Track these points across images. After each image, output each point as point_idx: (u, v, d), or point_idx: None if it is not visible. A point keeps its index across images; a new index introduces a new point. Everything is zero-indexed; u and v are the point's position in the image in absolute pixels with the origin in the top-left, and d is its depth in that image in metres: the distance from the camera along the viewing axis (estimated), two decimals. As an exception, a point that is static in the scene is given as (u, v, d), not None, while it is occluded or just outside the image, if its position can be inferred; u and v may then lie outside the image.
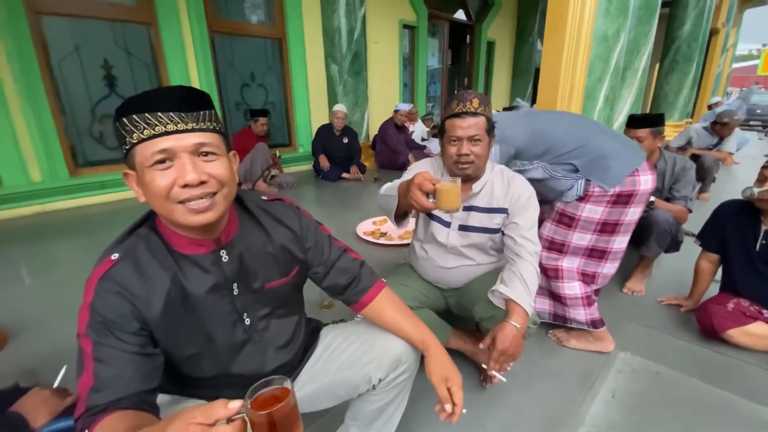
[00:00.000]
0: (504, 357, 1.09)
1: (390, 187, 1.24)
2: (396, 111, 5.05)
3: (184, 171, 0.63)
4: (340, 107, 4.48)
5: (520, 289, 1.15)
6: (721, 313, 1.59)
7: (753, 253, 1.60)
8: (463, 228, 1.34)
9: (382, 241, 2.58)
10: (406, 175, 1.37)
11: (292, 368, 0.92)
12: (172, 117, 0.63)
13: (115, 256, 0.68)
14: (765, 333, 1.54)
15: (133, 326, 0.66)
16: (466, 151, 1.21)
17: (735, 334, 1.55)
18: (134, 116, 0.61)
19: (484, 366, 1.17)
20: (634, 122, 2.10)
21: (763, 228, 1.55)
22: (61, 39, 3.38)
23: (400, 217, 1.25)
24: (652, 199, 1.97)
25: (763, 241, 1.55)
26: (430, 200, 1.00)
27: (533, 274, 1.20)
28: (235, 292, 0.77)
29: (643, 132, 2.05)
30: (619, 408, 1.48)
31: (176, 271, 0.70)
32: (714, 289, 1.81)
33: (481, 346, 1.13)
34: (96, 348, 0.63)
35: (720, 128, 4.09)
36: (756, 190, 1.51)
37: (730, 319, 1.57)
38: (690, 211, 2.02)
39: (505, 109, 2.57)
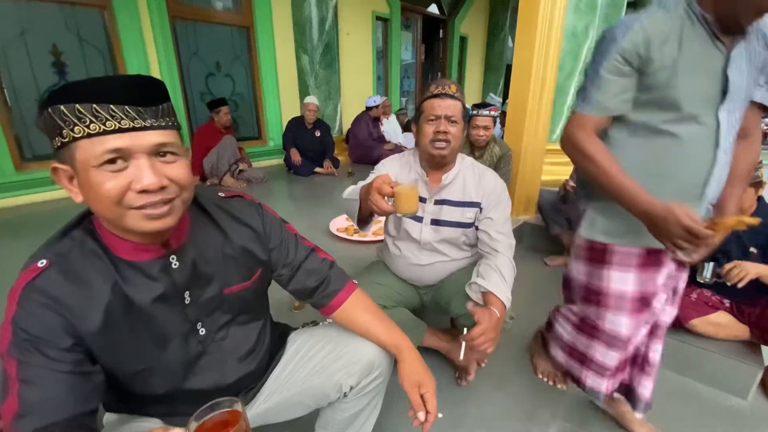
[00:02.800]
0: (484, 338, 1.02)
1: (353, 191, 1.21)
2: (368, 108, 4.98)
3: (141, 174, 0.55)
4: (311, 99, 4.36)
5: (498, 281, 1.14)
6: (684, 304, 1.64)
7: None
8: (435, 222, 1.31)
9: (355, 237, 2.52)
10: (372, 176, 1.34)
11: (257, 378, 0.85)
12: (127, 111, 0.54)
13: (42, 263, 0.59)
14: (726, 322, 1.59)
15: (65, 342, 0.58)
16: (444, 129, 1.20)
17: (698, 323, 1.60)
18: (77, 106, 0.52)
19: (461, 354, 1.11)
20: None
21: None
22: (5, 23, 3.09)
23: (364, 220, 1.21)
24: None
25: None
26: (389, 203, 0.97)
27: (509, 266, 1.20)
28: (187, 300, 0.69)
29: None
30: (591, 399, 1.50)
31: (117, 279, 0.62)
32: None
33: (469, 306, 1.06)
34: (21, 369, 0.55)
35: None
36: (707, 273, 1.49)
37: (694, 309, 1.62)
38: None
39: (475, 105, 2.52)
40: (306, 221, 2.86)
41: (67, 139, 0.54)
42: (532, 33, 2.42)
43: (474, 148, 2.51)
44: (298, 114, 4.50)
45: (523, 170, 2.71)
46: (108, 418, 0.77)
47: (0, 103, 3.12)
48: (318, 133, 4.48)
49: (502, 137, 2.76)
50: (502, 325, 1.11)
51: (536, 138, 2.65)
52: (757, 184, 1.48)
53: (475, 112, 2.43)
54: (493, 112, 2.45)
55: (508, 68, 3.68)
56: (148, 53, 3.76)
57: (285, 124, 4.57)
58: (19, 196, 3.25)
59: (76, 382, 0.58)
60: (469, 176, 1.32)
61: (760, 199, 1.54)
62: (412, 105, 7.79)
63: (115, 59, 3.64)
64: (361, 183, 1.25)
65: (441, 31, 8.01)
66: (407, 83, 7.74)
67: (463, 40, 8.40)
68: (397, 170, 1.37)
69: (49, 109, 0.53)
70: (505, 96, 3.03)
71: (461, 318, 1.25)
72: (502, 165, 2.46)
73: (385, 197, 0.96)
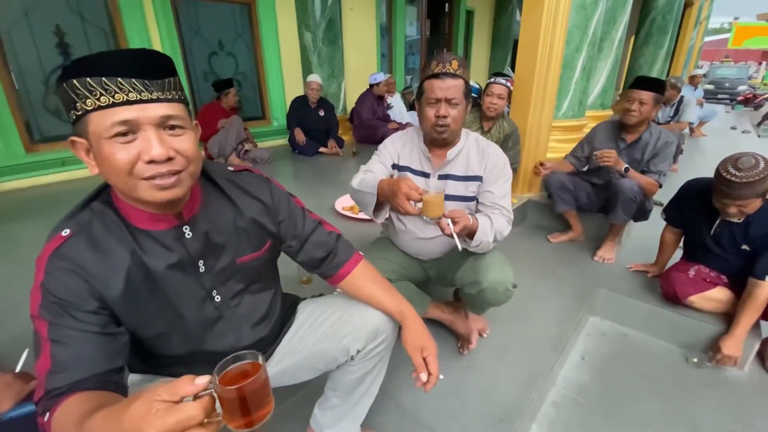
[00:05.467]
0: (457, 212, 1.09)
1: (364, 182, 1.24)
2: (372, 85, 4.91)
3: (149, 146, 0.58)
4: (314, 78, 4.31)
5: (484, 219, 1.18)
6: (683, 280, 1.66)
7: (707, 238, 1.63)
8: (440, 198, 1.33)
9: (361, 215, 2.56)
10: (375, 158, 1.37)
11: (269, 343, 0.90)
12: (134, 84, 0.56)
13: (66, 232, 0.63)
14: (724, 298, 1.62)
15: (91, 305, 0.62)
16: (444, 113, 1.20)
17: (696, 300, 1.63)
18: (88, 79, 0.54)
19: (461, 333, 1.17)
20: (641, 83, 1.98)
21: (720, 217, 1.58)
22: (8, 4, 3.07)
23: (377, 210, 1.25)
24: (625, 166, 1.98)
25: (717, 229, 1.60)
26: (416, 207, 1.05)
27: (502, 221, 1.23)
28: (201, 269, 0.73)
29: (647, 95, 1.94)
30: (589, 369, 1.56)
31: (135, 248, 0.66)
32: (679, 254, 1.89)
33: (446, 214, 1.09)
34: (51, 329, 0.60)
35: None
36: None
37: (691, 285, 1.64)
38: (660, 186, 2.03)
39: (495, 74, 2.46)
40: (312, 200, 2.89)
41: (80, 112, 0.57)
42: (540, 5, 2.36)
43: (484, 119, 2.48)
44: (302, 93, 4.47)
45: (528, 147, 2.69)
46: (132, 378, 0.82)
47: (7, 85, 3.13)
48: (322, 113, 4.45)
49: (508, 114, 2.73)
50: (468, 229, 1.12)
51: (542, 114, 2.63)
52: (764, 194, 1.42)
53: (492, 80, 2.39)
54: (509, 83, 2.42)
55: (516, 43, 3.58)
56: (150, 32, 3.73)
57: (289, 103, 4.55)
58: (30, 178, 3.31)
59: (103, 342, 0.62)
60: (473, 151, 1.33)
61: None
62: (416, 83, 7.65)
63: (118, 39, 3.62)
64: (363, 167, 1.31)
65: (447, 5, 7.79)
66: (412, 60, 7.59)
67: (470, 14, 8.18)
68: (399, 148, 1.38)
69: (64, 84, 0.56)
70: (513, 71, 2.98)
71: (467, 287, 1.29)
72: (511, 145, 2.42)
73: (412, 201, 1.03)
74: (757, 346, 1.55)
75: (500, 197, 1.28)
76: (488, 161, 1.30)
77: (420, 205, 1.06)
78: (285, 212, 0.85)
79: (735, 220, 1.53)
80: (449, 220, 1.06)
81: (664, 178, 2.03)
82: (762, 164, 1.37)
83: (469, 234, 1.15)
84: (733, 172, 1.40)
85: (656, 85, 1.97)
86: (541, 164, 2.28)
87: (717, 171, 1.46)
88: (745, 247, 1.54)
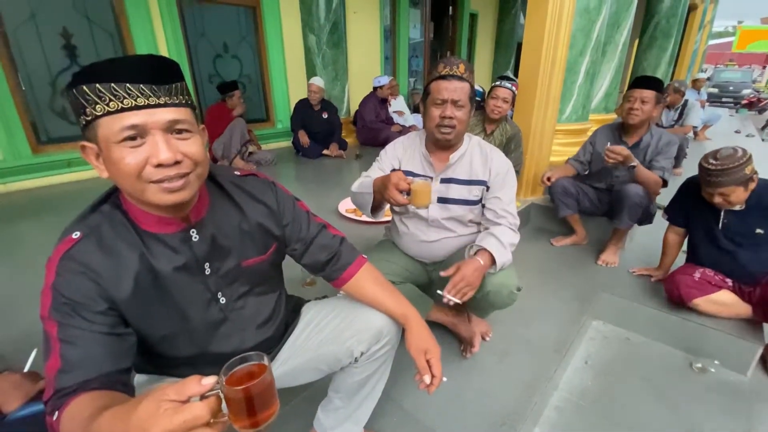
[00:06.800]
0: (463, 283, 1.15)
1: (362, 184, 1.28)
2: (375, 88, 4.94)
3: (157, 150, 0.59)
4: (315, 80, 4.33)
5: (493, 241, 1.21)
6: (687, 282, 1.66)
7: (716, 231, 1.63)
8: (443, 201, 1.34)
9: (364, 218, 2.57)
10: (376, 164, 1.40)
11: (273, 345, 0.91)
12: (142, 90, 0.58)
13: (76, 235, 0.64)
14: (729, 301, 1.61)
15: (101, 306, 0.63)
16: (450, 114, 1.22)
17: (701, 302, 1.62)
18: (97, 85, 0.56)
19: (464, 332, 1.19)
20: (642, 82, 1.98)
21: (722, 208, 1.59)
22: (15, 6, 3.11)
23: (376, 208, 1.29)
24: (635, 163, 1.93)
25: (725, 221, 1.60)
26: (405, 197, 1.11)
27: (510, 233, 1.26)
28: (207, 272, 0.74)
29: (649, 93, 1.95)
30: (592, 373, 1.55)
31: (143, 250, 0.67)
32: (682, 259, 1.88)
33: (442, 274, 1.19)
34: (61, 330, 0.61)
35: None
36: None
37: (696, 288, 1.64)
38: (665, 182, 2.00)
39: (500, 77, 2.44)
40: (315, 203, 2.90)
41: (90, 117, 0.58)
42: (544, 8, 2.37)
43: (487, 122, 2.48)
44: (306, 95, 4.49)
45: (531, 151, 2.70)
46: (138, 378, 0.83)
47: (14, 86, 3.17)
48: (325, 115, 4.47)
49: (512, 117, 2.74)
50: (485, 271, 1.19)
51: (545, 118, 2.63)
52: (746, 182, 1.47)
53: (498, 83, 2.38)
54: (514, 87, 2.41)
55: (519, 46, 3.57)
56: (156, 35, 3.77)
57: (293, 105, 4.57)
58: (37, 179, 3.34)
59: (111, 342, 0.63)
60: (476, 155, 1.34)
61: (759, 182, 1.52)
62: (420, 86, 7.68)
63: (124, 41, 3.66)
64: (364, 173, 1.35)
65: (450, 8, 7.81)
66: (415, 63, 7.60)
67: (473, 17, 8.19)
68: (400, 154, 1.40)
69: (74, 90, 0.57)
70: (516, 75, 2.98)
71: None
72: (513, 147, 2.43)
73: (402, 192, 1.08)
74: (760, 351, 1.55)
75: (508, 203, 1.30)
76: (492, 166, 1.32)
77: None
78: (290, 216, 0.86)
79: (737, 208, 1.56)
80: (449, 296, 1.13)
81: (669, 174, 2.00)
82: (740, 153, 1.44)
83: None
84: (712, 161, 1.48)
85: (655, 84, 1.98)
86: (548, 179, 2.28)
87: (699, 163, 1.54)
88: (759, 231, 1.54)
